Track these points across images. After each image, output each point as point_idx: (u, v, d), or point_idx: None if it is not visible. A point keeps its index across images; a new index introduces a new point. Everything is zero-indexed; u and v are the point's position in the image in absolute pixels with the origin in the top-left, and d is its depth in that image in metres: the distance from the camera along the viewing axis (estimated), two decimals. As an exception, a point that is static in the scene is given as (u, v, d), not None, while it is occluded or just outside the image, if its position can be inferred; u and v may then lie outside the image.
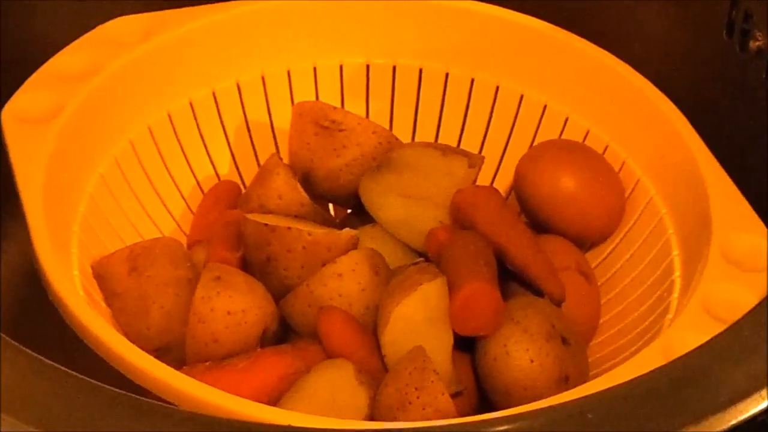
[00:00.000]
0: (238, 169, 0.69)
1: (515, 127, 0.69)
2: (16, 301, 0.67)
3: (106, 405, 0.42)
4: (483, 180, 0.68)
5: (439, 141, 0.70)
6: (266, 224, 0.57)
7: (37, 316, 0.53)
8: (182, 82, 0.66)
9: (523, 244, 0.58)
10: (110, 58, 0.63)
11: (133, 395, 0.42)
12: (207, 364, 0.54)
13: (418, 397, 0.51)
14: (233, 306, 0.55)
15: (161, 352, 0.55)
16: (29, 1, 0.68)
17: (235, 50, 0.67)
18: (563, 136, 0.67)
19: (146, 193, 0.64)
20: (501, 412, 0.47)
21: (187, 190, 0.67)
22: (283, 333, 0.58)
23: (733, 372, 0.43)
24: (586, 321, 0.60)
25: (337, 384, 0.53)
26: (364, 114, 0.70)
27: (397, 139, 0.65)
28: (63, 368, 0.43)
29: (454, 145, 0.69)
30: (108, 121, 0.62)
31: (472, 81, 0.69)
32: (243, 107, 0.69)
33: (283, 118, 0.67)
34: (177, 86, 0.66)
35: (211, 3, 0.67)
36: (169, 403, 0.48)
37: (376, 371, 0.54)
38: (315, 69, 0.70)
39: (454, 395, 0.53)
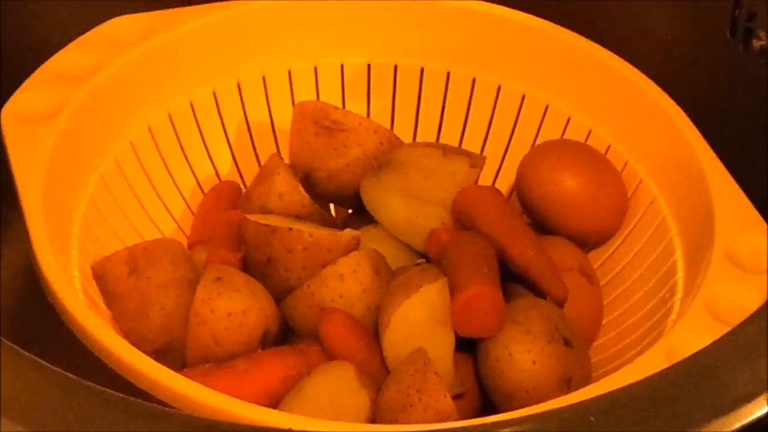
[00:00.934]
0: (238, 169, 0.69)
1: (517, 126, 0.68)
2: (15, 302, 0.67)
3: (105, 408, 0.41)
4: (485, 180, 0.67)
5: (441, 141, 0.70)
6: (267, 225, 0.57)
7: (37, 318, 0.53)
8: (182, 81, 0.66)
9: (525, 245, 0.58)
10: (110, 57, 0.63)
11: (133, 398, 0.42)
12: (207, 365, 0.54)
13: (419, 399, 0.51)
14: (234, 307, 0.55)
15: (161, 354, 0.55)
16: (28, 1, 0.68)
17: (235, 50, 0.67)
18: (565, 136, 0.67)
19: (146, 193, 0.64)
20: (503, 414, 0.47)
21: (188, 190, 0.67)
22: (283, 334, 0.58)
23: (737, 375, 0.42)
24: (589, 322, 0.60)
25: (338, 386, 0.52)
26: (365, 114, 0.70)
27: (398, 138, 0.65)
28: (62, 371, 0.43)
29: (456, 145, 0.69)
30: (108, 121, 0.62)
31: (474, 80, 0.69)
32: (243, 107, 0.68)
33: (284, 118, 0.67)
34: (177, 86, 0.66)
35: (211, 2, 0.67)
36: (170, 405, 0.47)
37: (378, 373, 0.54)
38: (316, 68, 0.69)
39: (456, 397, 0.53)
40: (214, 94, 0.67)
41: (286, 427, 0.45)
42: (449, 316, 0.54)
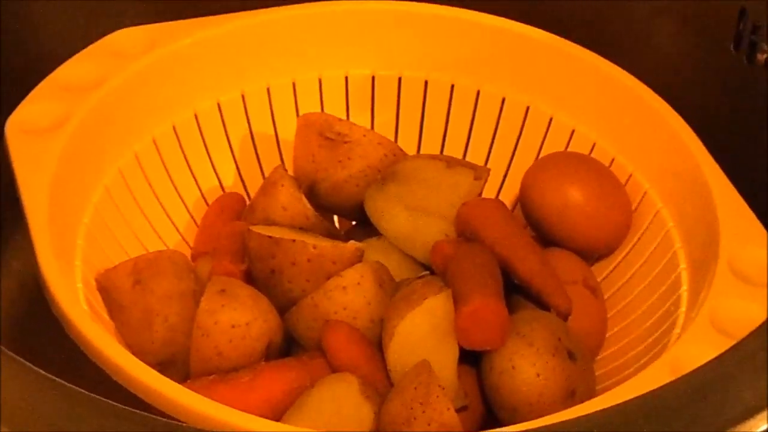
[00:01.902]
0: (242, 180, 0.69)
1: (521, 139, 0.68)
2: (18, 313, 0.67)
3: (107, 420, 0.41)
4: (489, 192, 0.67)
5: (445, 153, 0.70)
6: (271, 236, 0.57)
7: (40, 329, 0.53)
8: (187, 93, 0.66)
9: (529, 258, 0.58)
10: (115, 69, 0.63)
11: (136, 410, 0.41)
12: (211, 377, 0.54)
13: (423, 412, 0.51)
14: (237, 319, 0.55)
15: (165, 366, 0.54)
16: (34, 11, 0.68)
17: (240, 61, 0.67)
18: (569, 149, 0.67)
19: (151, 205, 0.64)
20: (507, 428, 0.47)
21: (192, 201, 0.67)
22: (287, 346, 0.58)
23: (742, 388, 0.42)
24: (593, 335, 0.60)
25: (341, 398, 0.52)
26: (369, 126, 0.70)
27: (402, 150, 0.65)
28: (64, 382, 0.43)
29: (460, 157, 0.69)
30: (112, 133, 0.62)
31: (478, 93, 0.69)
32: (248, 119, 0.68)
33: (288, 130, 0.67)
34: (182, 98, 0.66)
35: (215, 15, 0.67)
36: (173, 417, 0.47)
37: (381, 385, 0.54)
38: (320, 80, 0.70)
39: (460, 410, 0.53)
40: (219, 105, 0.67)
41: (290, 439, 0.45)
42: (453, 329, 0.54)
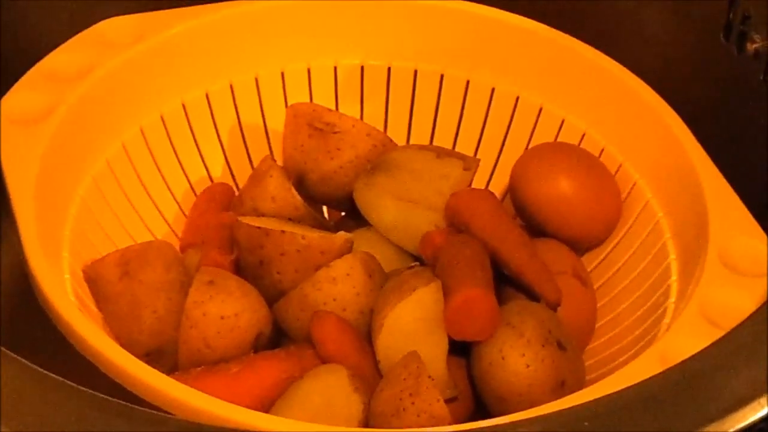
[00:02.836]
0: (231, 171, 0.68)
1: (511, 129, 0.68)
2: (6, 305, 0.67)
3: (95, 411, 0.41)
4: (478, 183, 0.67)
5: (434, 143, 0.70)
6: (259, 227, 0.56)
7: (29, 321, 0.53)
8: (175, 83, 0.66)
9: (519, 248, 0.58)
10: (102, 59, 0.63)
11: (125, 403, 0.41)
12: (199, 369, 0.54)
13: (412, 403, 0.51)
14: (226, 310, 0.54)
15: (153, 357, 0.54)
16: (21, 1, 0.68)
17: (228, 51, 0.67)
18: (559, 139, 0.67)
19: (138, 195, 0.64)
20: (496, 419, 0.47)
21: (180, 192, 0.66)
22: (276, 338, 0.58)
23: (731, 379, 0.42)
24: (583, 325, 0.60)
25: (331, 390, 0.52)
26: (358, 116, 0.69)
27: (391, 141, 0.64)
28: (53, 375, 0.42)
29: (450, 147, 0.69)
30: (100, 123, 0.62)
31: (468, 83, 0.69)
32: (236, 109, 0.68)
33: (277, 120, 0.67)
34: (170, 88, 0.65)
35: (204, 4, 0.67)
36: (161, 409, 0.47)
37: (371, 377, 0.54)
38: (309, 70, 0.69)
39: (449, 401, 0.53)
40: (207, 96, 0.67)
41: (279, 430, 0.45)
42: (443, 320, 0.54)
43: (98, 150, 0.62)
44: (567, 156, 0.64)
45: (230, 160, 0.68)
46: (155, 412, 0.43)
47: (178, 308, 0.55)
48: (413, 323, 0.54)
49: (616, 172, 0.64)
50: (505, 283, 0.58)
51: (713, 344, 0.45)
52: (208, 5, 0.67)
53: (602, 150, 0.65)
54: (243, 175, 0.66)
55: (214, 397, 0.47)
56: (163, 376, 0.48)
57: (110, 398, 0.42)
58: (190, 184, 0.67)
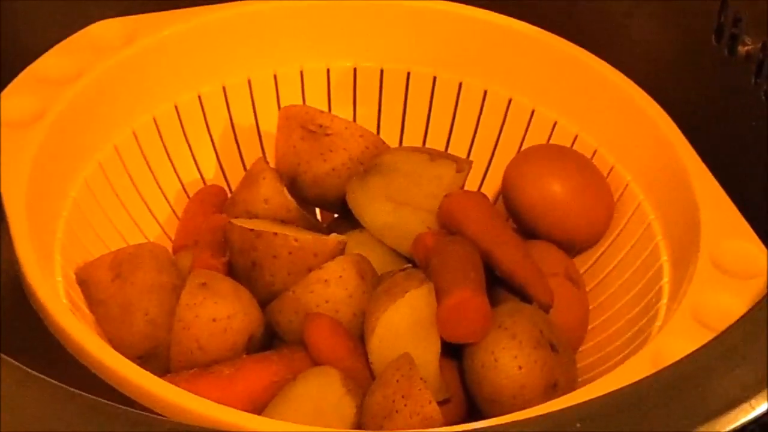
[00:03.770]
0: (224, 173, 0.68)
1: (503, 131, 0.68)
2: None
3: (87, 414, 0.41)
4: (471, 185, 0.67)
5: (427, 145, 0.70)
6: (252, 229, 0.56)
7: (21, 324, 0.53)
8: (167, 85, 0.66)
9: (511, 250, 0.58)
10: (94, 61, 0.62)
11: (116, 404, 0.41)
12: (192, 371, 0.54)
13: (405, 405, 0.51)
14: (218, 312, 0.54)
15: (145, 360, 0.54)
16: (11, 3, 0.68)
17: (221, 53, 0.67)
18: (551, 141, 0.67)
19: (131, 198, 0.64)
20: (489, 420, 0.47)
21: (173, 194, 0.66)
22: (269, 340, 0.58)
23: (723, 380, 0.43)
24: (575, 327, 0.60)
25: (323, 392, 0.52)
26: (351, 118, 0.70)
27: (384, 143, 0.64)
28: (45, 377, 0.42)
29: (442, 149, 0.69)
30: (92, 126, 0.62)
31: (460, 85, 0.69)
32: (229, 111, 0.68)
33: (270, 122, 0.67)
34: (162, 90, 0.65)
35: (195, 6, 0.67)
36: (153, 411, 0.47)
37: (363, 378, 0.54)
38: (302, 72, 0.69)
39: (442, 403, 0.53)
40: (200, 98, 0.67)
41: (271, 433, 0.45)
42: (435, 322, 0.54)
43: (90, 152, 0.62)
44: (559, 158, 0.64)
45: (223, 162, 0.68)
46: (147, 414, 0.43)
47: (170, 310, 0.55)
48: (406, 325, 0.54)
49: (608, 174, 0.64)
50: (498, 284, 0.58)
51: (705, 346, 0.45)
52: (201, 7, 0.67)
53: (594, 152, 0.65)
54: (236, 177, 0.66)
55: (206, 400, 0.47)
56: (156, 378, 0.48)
57: (102, 400, 0.42)
58: (182, 186, 0.67)
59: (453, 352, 0.55)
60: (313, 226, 0.61)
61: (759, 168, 0.62)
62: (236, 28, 0.67)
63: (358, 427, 0.52)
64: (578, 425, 0.41)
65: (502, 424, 0.44)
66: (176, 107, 0.66)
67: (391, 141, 0.68)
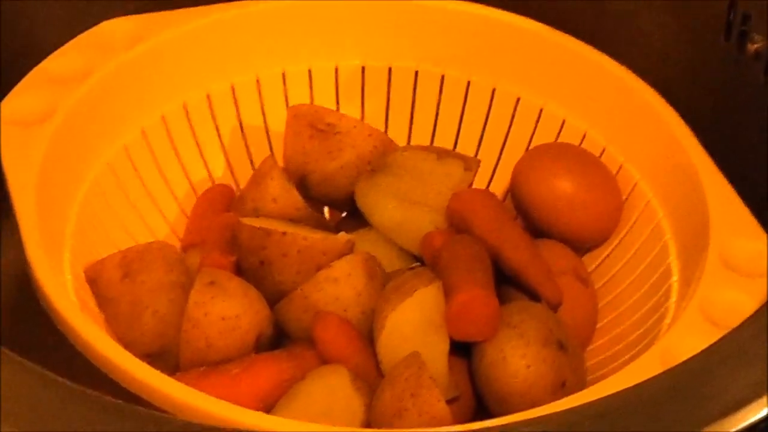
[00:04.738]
0: (232, 172, 0.68)
1: (511, 130, 0.68)
2: (8, 306, 0.67)
3: (97, 412, 0.41)
4: (479, 183, 0.67)
5: (435, 144, 0.70)
6: (261, 228, 0.56)
7: (31, 322, 0.53)
8: (176, 84, 0.66)
9: (520, 249, 0.58)
10: (103, 60, 0.63)
11: (127, 404, 0.41)
12: (201, 369, 0.54)
13: (414, 404, 0.51)
14: (227, 311, 0.54)
15: (154, 358, 0.54)
16: (20, 2, 0.68)
17: (229, 52, 0.67)
18: (560, 139, 0.67)
19: (140, 196, 0.64)
20: (497, 419, 0.47)
21: (181, 193, 0.66)
22: (277, 338, 0.58)
23: (732, 379, 0.42)
24: (583, 326, 0.60)
25: (332, 390, 0.52)
26: (359, 116, 0.70)
27: (392, 142, 0.64)
28: (55, 375, 0.42)
29: (450, 148, 0.69)
30: (101, 125, 0.62)
31: (469, 83, 0.69)
32: (237, 110, 0.68)
33: (278, 121, 0.67)
34: (171, 89, 0.65)
35: (204, 5, 0.67)
36: (163, 409, 0.47)
37: (372, 377, 0.54)
38: (310, 71, 0.69)
39: (451, 401, 0.53)
40: (208, 97, 0.67)
41: (280, 431, 0.45)
42: (444, 320, 0.54)
43: (99, 151, 0.62)
44: (568, 157, 0.64)
45: (231, 161, 0.68)
46: (156, 412, 0.43)
47: (179, 309, 0.55)
48: (414, 324, 0.54)
49: (617, 172, 0.64)
50: (506, 283, 0.58)
51: (714, 344, 0.45)
52: (210, 6, 0.67)
53: (603, 150, 0.65)
54: (244, 176, 0.66)
55: (215, 398, 0.47)
56: (165, 376, 0.48)
57: (111, 399, 0.42)
58: (191, 184, 0.67)
59: (462, 350, 0.55)
60: (322, 225, 0.61)
61: (768, 166, 0.62)
62: (245, 27, 0.67)
63: (367, 426, 0.52)
64: (587, 424, 0.41)
65: (510, 423, 0.44)
66: (185, 106, 0.66)
67: (400, 139, 0.68)
